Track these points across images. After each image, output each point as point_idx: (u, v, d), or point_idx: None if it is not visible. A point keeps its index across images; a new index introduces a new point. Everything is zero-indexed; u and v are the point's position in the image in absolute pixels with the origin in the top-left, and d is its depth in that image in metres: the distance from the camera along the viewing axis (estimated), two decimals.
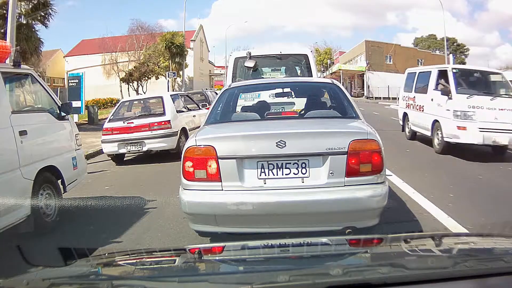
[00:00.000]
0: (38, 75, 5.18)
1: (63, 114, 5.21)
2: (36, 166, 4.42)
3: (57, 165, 4.83)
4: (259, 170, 3.39)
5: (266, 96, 5.95)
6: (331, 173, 3.34)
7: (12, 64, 4.54)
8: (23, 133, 4.27)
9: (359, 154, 3.34)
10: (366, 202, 3.35)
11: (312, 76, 7.55)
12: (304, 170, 3.38)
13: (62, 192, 4.99)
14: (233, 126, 4.06)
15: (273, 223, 3.43)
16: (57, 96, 20.18)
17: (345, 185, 3.34)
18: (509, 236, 2.36)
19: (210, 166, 3.38)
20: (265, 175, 3.39)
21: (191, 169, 3.44)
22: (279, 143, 3.34)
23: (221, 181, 3.38)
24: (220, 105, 4.58)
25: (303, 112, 4.62)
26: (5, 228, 3.87)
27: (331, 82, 5.12)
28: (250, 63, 7.65)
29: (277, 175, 3.39)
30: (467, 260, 1.42)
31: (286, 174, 3.39)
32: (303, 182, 3.37)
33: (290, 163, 3.38)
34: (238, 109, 5.02)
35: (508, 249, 1.69)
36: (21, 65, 4.74)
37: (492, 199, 5.28)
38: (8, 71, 4.48)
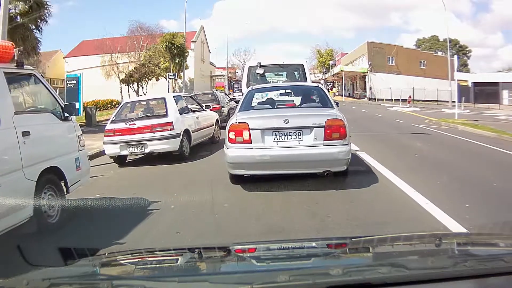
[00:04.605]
0: (41, 75, 5.14)
1: (66, 114, 5.17)
2: (39, 167, 4.38)
3: (60, 166, 4.77)
4: (273, 136, 5.54)
5: (273, 95, 8.24)
6: (315, 138, 5.47)
7: (15, 64, 4.50)
8: (26, 133, 4.23)
9: (332, 127, 5.48)
10: (336, 155, 5.47)
11: (306, 80, 10.18)
12: (299, 137, 5.52)
13: (65, 193, 4.92)
14: (257, 111, 6.35)
15: (281, 167, 5.64)
16: None
17: (323, 145, 5.46)
18: (509, 236, 2.36)
19: (245, 134, 5.53)
20: (277, 139, 5.54)
21: (233, 136, 5.59)
22: (285, 120, 5.52)
23: (251, 143, 5.53)
24: (246, 99, 6.82)
25: (299, 104, 7.19)
26: (7, 229, 3.84)
27: (317, 85, 7.87)
28: (260, 70, 10.31)
29: (284, 139, 5.54)
30: (467, 260, 1.42)
31: (289, 139, 5.53)
32: (299, 143, 5.51)
33: (291, 132, 5.53)
34: (255, 103, 7.08)
35: (508, 249, 1.69)
36: (24, 66, 4.71)
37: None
38: (12, 72, 4.45)
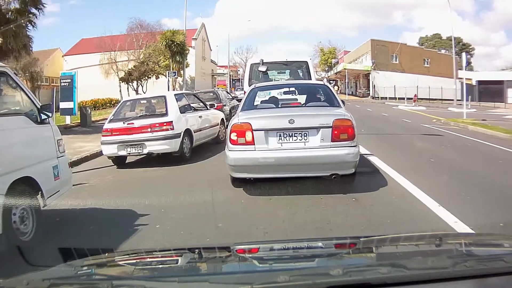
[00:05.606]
0: (14, 73, 4.60)
1: (43, 117, 4.59)
2: (8, 178, 3.83)
3: (35, 175, 4.20)
4: (278, 137, 5.26)
5: (276, 93, 7.93)
6: (322, 139, 5.18)
7: None
8: None
9: (339, 127, 5.20)
10: (344, 157, 5.17)
11: (311, 78, 9.95)
12: (305, 138, 5.23)
13: (42, 206, 4.34)
14: (260, 111, 6.03)
15: (286, 170, 5.34)
16: (54, 96, 19.11)
17: (331, 147, 5.17)
18: (509, 236, 2.36)
19: (247, 135, 5.25)
20: (282, 140, 5.25)
21: (235, 138, 5.30)
22: (290, 120, 5.24)
23: (254, 144, 5.24)
24: (249, 98, 6.52)
25: (304, 103, 6.84)
26: None
27: (323, 83, 7.84)
28: (262, 68, 10.03)
29: (289, 140, 5.25)
30: (467, 260, 1.42)
31: (294, 140, 5.24)
32: (305, 144, 5.22)
33: (297, 133, 5.24)
34: (258, 102, 6.81)
35: (508, 249, 1.69)
36: None
37: None
38: None
